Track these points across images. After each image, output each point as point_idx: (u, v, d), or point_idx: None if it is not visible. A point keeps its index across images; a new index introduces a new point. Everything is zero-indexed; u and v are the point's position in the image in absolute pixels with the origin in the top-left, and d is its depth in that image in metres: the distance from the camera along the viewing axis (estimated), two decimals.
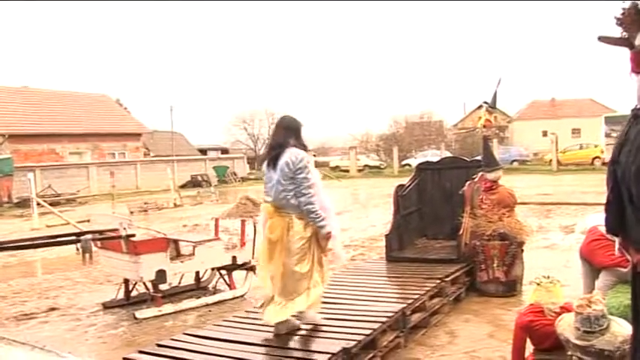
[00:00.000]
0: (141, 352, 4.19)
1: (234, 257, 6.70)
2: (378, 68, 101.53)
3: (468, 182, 6.62)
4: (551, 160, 31.29)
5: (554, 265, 6.95)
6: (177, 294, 6.67)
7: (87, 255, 5.82)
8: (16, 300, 7.17)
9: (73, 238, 6.05)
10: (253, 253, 6.81)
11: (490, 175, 6.61)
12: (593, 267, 4.41)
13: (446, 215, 7.25)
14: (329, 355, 3.79)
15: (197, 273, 6.97)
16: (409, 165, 34.60)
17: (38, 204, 15.25)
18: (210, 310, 6.22)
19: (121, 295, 6.55)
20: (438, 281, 5.64)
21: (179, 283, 6.75)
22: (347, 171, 33.95)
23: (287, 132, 4.26)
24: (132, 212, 16.93)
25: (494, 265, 6.09)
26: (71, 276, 8.40)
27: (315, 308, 4.31)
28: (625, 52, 2.24)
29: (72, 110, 33.54)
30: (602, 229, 3.77)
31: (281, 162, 4.13)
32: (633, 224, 2.29)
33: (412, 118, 48.91)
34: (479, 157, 7.59)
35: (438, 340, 4.90)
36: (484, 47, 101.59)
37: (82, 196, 25.06)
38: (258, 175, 37.61)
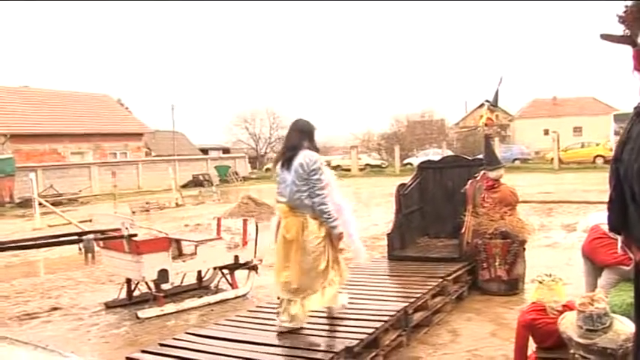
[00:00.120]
0: (143, 351, 4.21)
1: (236, 256, 6.71)
2: (379, 67, 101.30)
3: (470, 181, 6.63)
4: (552, 159, 31.29)
5: (557, 264, 6.94)
6: (179, 293, 6.69)
7: (89, 255, 5.85)
8: (18, 300, 7.18)
9: (75, 237, 6.06)
10: (255, 253, 6.83)
11: (492, 174, 6.60)
12: (595, 265, 4.40)
13: (448, 214, 7.25)
14: (332, 354, 3.80)
15: (199, 272, 6.98)
16: (411, 164, 34.61)
17: (40, 204, 15.26)
18: (212, 310, 6.22)
19: (124, 294, 6.56)
20: (440, 280, 5.65)
21: (181, 282, 6.78)
22: (348, 170, 33.90)
23: (301, 135, 4.37)
24: (134, 212, 16.97)
25: (497, 263, 6.09)
26: (73, 276, 8.42)
27: (333, 304, 4.42)
28: (627, 50, 2.23)
29: (73, 110, 33.59)
30: (605, 227, 3.77)
31: (295, 164, 4.23)
32: (636, 222, 2.28)
33: (413, 117, 48.95)
34: (480, 156, 7.61)
35: (440, 339, 4.90)
36: (485, 46, 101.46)
37: (84, 196, 25.09)
38: (259, 174, 37.71)
